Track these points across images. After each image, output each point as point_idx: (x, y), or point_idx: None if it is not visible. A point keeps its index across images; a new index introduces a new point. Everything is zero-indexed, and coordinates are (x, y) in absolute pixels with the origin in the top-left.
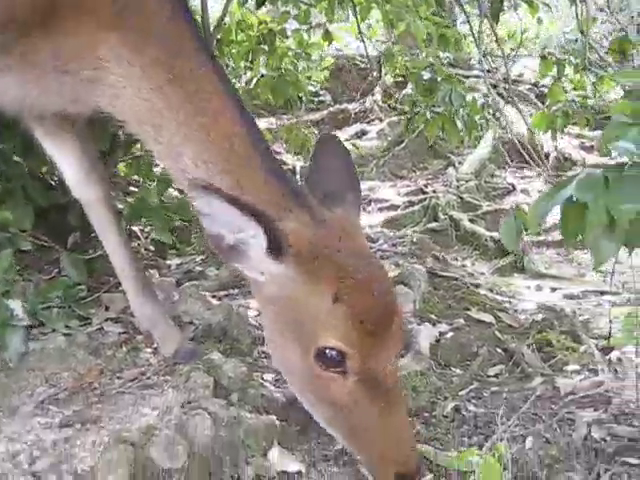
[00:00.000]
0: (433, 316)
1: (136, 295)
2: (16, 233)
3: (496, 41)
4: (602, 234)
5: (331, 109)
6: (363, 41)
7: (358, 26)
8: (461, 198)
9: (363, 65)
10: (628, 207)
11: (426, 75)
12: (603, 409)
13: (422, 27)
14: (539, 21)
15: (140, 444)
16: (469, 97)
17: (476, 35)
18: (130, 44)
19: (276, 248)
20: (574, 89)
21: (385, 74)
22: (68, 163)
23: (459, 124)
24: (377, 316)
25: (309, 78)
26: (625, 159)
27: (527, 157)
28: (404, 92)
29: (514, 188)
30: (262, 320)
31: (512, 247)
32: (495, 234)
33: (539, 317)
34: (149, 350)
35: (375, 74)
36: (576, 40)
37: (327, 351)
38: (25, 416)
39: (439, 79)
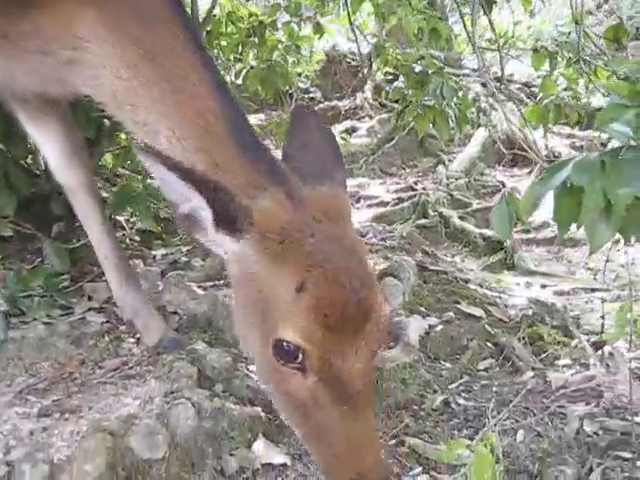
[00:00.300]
0: (422, 309)
1: (119, 284)
2: None
3: (492, 29)
4: (599, 218)
5: (321, 106)
6: (354, 33)
7: (349, 18)
8: (451, 195)
9: (354, 62)
10: (625, 191)
11: (417, 68)
12: (595, 403)
13: (413, 22)
14: (531, 14)
15: (120, 433)
16: (460, 92)
17: (469, 29)
18: (109, 22)
19: (228, 223)
20: (566, 86)
21: (376, 70)
22: (51, 147)
23: (450, 118)
24: (346, 311)
25: (299, 75)
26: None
27: (524, 147)
28: (395, 85)
29: (504, 186)
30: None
31: (504, 235)
32: (485, 231)
33: (530, 312)
34: (132, 340)
35: (366, 71)
36: (569, 33)
37: (284, 344)
38: (3, 406)
39: (430, 72)
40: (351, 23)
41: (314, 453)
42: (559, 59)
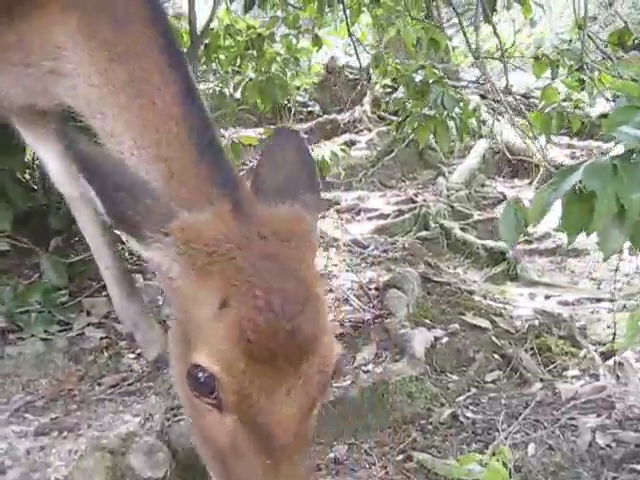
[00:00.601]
0: (427, 321)
1: (120, 296)
2: None
3: (496, 34)
4: (611, 224)
5: (320, 119)
6: (354, 45)
7: (348, 30)
8: (452, 207)
9: (352, 75)
10: (639, 196)
11: (418, 77)
12: (606, 415)
13: (412, 32)
14: (532, 23)
15: (119, 452)
16: (461, 102)
17: (470, 38)
18: (86, 28)
19: (127, 225)
20: (565, 96)
21: (374, 83)
22: (52, 158)
23: (451, 129)
24: (275, 340)
25: (298, 88)
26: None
27: (527, 155)
28: (394, 96)
29: (504, 197)
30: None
31: (511, 241)
32: (487, 242)
33: (536, 322)
34: (131, 356)
35: (364, 84)
36: (570, 41)
37: (198, 372)
38: (0, 424)
39: (430, 82)
40: (350, 34)
41: None
42: (560, 67)
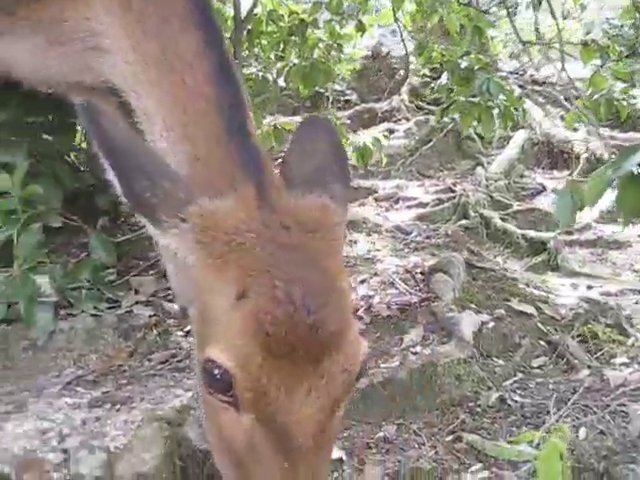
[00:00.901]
0: (473, 306)
1: (175, 270)
2: (45, 210)
3: (554, 16)
4: None
5: (357, 108)
6: (400, 29)
7: (394, 14)
8: (491, 197)
9: (392, 63)
10: None
11: (463, 63)
12: None
13: (456, 19)
14: (582, 7)
15: (175, 422)
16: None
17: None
18: (121, 2)
19: (145, 208)
20: (617, 79)
21: (414, 72)
22: None
23: (495, 116)
24: (295, 333)
25: (338, 75)
26: None
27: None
28: (439, 82)
29: (544, 188)
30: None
31: (567, 223)
32: (527, 232)
33: (582, 310)
34: (180, 334)
35: (402, 73)
36: (621, 26)
37: (214, 368)
38: (52, 396)
39: (476, 68)
40: (396, 19)
41: None
42: (610, 54)
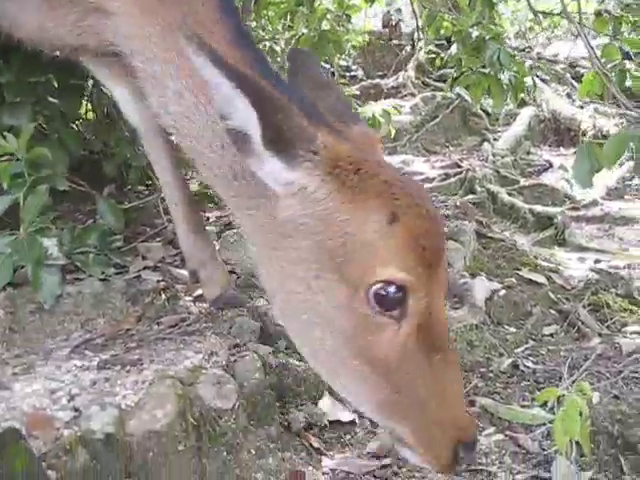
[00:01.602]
0: (483, 274)
1: (187, 233)
2: (52, 173)
3: None
4: None
5: (363, 83)
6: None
7: None
8: (497, 172)
9: (396, 41)
10: None
11: (474, 33)
12: None
13: None
14: None
15: (187, 382)
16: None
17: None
18: None
19: (282, 144)
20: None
21: (419, 49)
22: (121, 92)
23: (505, 87)
24: (439, 244)
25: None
26: None
27: None
28: (449, 52)
29: (551, 165)
30: (264, 265)
31: (586, 185)
32: (535, 207)
33: (593, 280)
34: (189, 298)
35: (409, 49)
36: None
37: (385, 287)
38: (60, 359)
39: (487, 37)
40: None
41: (397, 422)
42: (624, 24)
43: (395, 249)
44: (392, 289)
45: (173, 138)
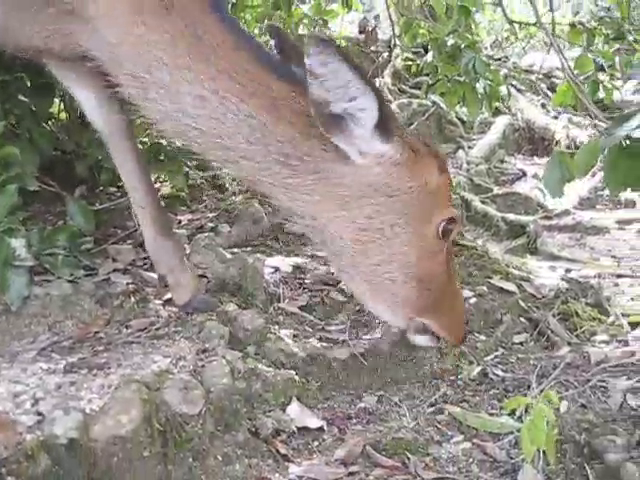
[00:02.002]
0: None
1: (154, 237)
2: (22, 173)
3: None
4: None
5: None
6: (387, 6)
7: None
8: (471, 180)
9: (372, 48)
10: None
11: (450, 41)
12: (637, 378)
13: None
14: None
15: (154, 386)
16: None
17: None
18: None
19: (385, 127)
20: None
21: (396, 56)
22: (86, 96)
23: (480, 96)
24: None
25: None
26: None
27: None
28: (424, 60)
29: (524, 174)
30: (328, 228)
31: (556, 195)
32: (507, 215)
33: (562, 289)
34: (158, 302)
35: (386, 55)
36: (608, 9)
37: (448, 222)
38: (26, 362)
39: (463, 45)
40: None
41: (428, 318)
42: (597, 36)
43: (447, 194)
44: (449, 223)
45: (179, 142)
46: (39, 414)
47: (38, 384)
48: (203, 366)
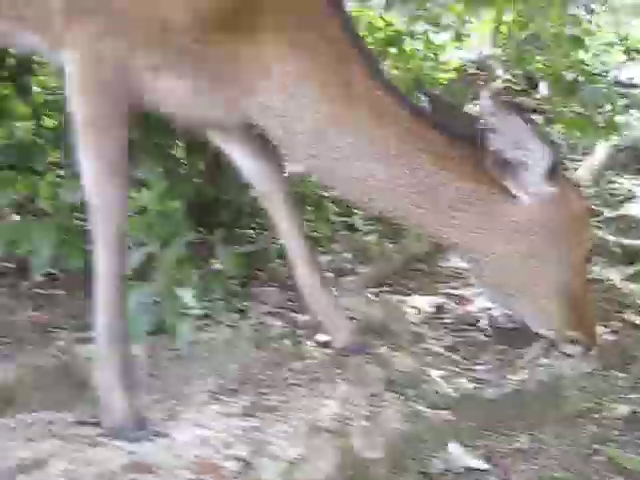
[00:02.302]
0: None
1: (313, 287)
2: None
3: None
4: None
5: None
6: (495, 38)
7: (498, 19)
8: None
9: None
10: None
11: (569, 76)
12: None
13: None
14: None
15: (339, 433)
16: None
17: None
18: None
19: (553, 172)
20: None
21: (495, 79)
22: (245, 158)
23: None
24: None
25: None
26: None
27: None
28: (539, 95)
29: (633, 195)
30: (486, 257)
31: None
32: (623, 240)
33: None
34: (312, 344)
35: (488, 80)
36: None
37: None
38: (200, 404)
39: (581, 79)
40: (497, 28)
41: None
42: None
43: (588, 227)
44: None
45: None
46: (238, 459)
47: (224, 429)
48: (378, 411)
